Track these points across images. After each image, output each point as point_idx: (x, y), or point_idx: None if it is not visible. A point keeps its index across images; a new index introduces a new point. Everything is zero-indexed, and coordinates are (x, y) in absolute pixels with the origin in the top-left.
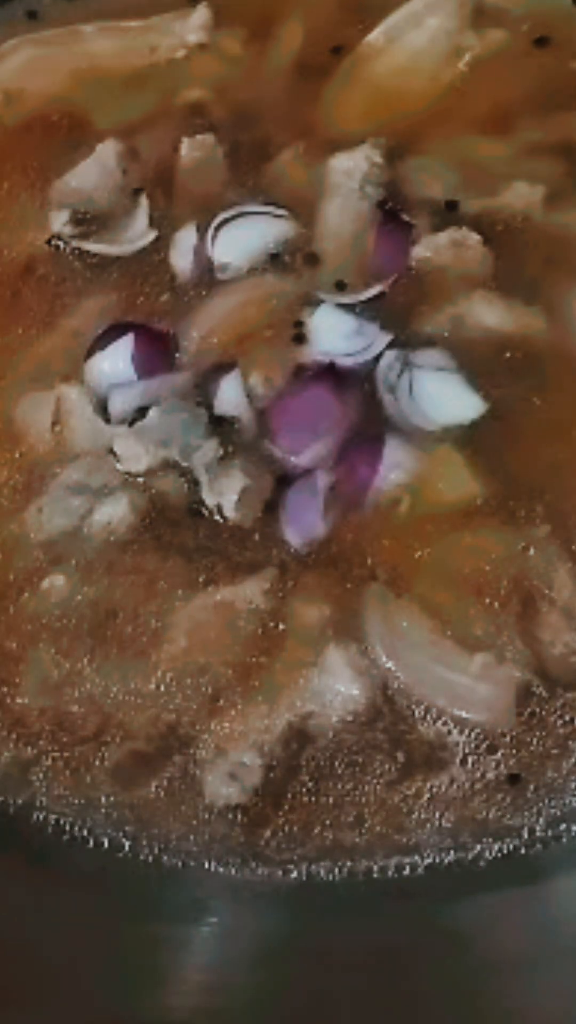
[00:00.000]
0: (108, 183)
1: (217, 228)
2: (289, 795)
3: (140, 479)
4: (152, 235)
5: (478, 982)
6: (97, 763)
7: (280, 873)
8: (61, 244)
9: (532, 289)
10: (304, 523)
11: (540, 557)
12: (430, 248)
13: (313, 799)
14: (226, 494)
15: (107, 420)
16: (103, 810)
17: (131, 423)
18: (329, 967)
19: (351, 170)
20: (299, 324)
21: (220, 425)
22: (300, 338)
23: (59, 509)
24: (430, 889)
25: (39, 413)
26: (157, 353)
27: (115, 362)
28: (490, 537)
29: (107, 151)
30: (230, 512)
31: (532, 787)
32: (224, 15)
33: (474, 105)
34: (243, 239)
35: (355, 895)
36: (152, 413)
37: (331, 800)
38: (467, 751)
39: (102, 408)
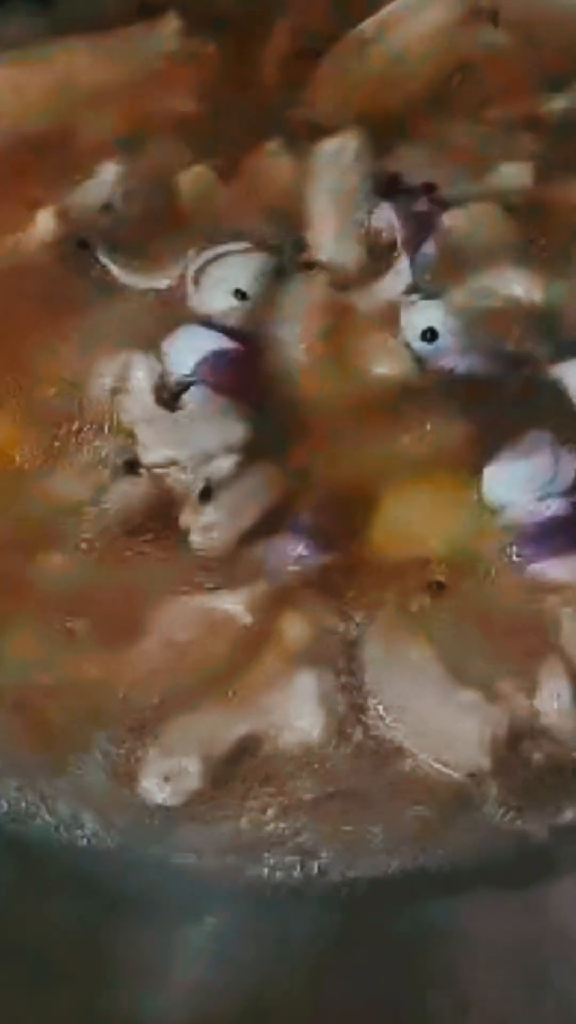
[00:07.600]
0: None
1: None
2: (282, 799)
3: (158, 470)
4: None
5: (476, 983)
6: (88, 759)
7: (280, 873)
8: None
9: (553, 260)
10: (290, 551)
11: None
12: (449, 221)
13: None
14: (199, 520)
15: (157, 403)
16: (101, 809)
17: (172, 410)
18: (328, 967)
19: (336, 154)
20: None
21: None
22: None
23: (78, 477)
24: (430, 889)
25: (102, 377)
26: (239, 375)
27: (192, 359)
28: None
29: (105, 170)
30: (196, 537)
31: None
32: (199, 19)
33: (461, 94)
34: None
35: (355, 895)
36: (190, 408)
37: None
38: (437, 786)
39: (159, 390)
